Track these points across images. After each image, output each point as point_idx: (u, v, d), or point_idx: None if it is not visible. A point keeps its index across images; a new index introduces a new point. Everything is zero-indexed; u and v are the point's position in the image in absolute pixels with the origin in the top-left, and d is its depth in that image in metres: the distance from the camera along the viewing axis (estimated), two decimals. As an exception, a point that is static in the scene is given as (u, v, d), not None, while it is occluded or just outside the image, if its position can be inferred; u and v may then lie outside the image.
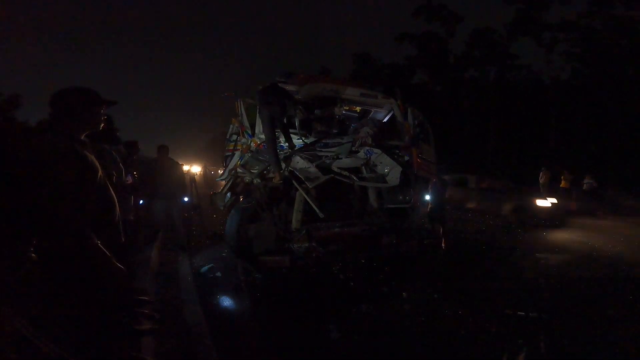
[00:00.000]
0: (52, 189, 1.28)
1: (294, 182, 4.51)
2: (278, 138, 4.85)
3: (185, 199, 5.93)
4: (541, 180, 15.24)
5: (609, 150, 19.37)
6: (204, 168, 31.32)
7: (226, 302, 3.80)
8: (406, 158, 4.95)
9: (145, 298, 1.61)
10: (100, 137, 1.90)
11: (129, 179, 3.84)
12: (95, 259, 1.32)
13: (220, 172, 6.42)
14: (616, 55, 20.85)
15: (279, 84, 4.77)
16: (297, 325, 3.27)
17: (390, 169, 4.75)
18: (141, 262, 3.96)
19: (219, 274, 4.59)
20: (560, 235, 7.64)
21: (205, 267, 4.72)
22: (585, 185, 13.31)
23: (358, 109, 5.76)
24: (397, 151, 5.04)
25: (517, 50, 28.80)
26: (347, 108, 5.66)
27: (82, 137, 1.53)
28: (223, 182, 5.80)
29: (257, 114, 5.01)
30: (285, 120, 4.88)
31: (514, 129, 23.25)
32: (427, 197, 5.73)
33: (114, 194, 1.57)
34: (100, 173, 1.49)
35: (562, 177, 14.69)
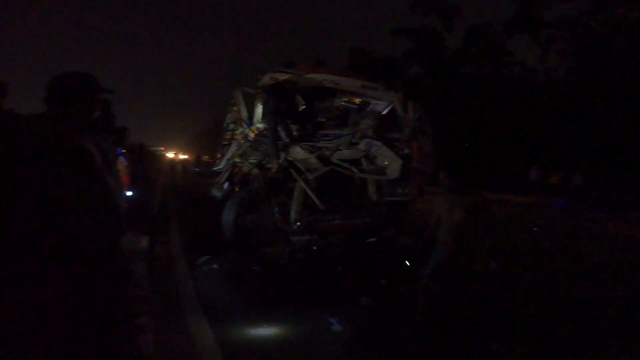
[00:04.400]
0: (58, 182, 1.20)
1: (293, 172, 4.44)
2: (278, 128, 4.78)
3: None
4: (531, 176, 15.53)
5: (600, 149, 19.68)
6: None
7: (224, 295, 3.73)
8: (406, 151, 4.92)
9: (142, 293, 1.54)
10: (98, 125, 1.83)
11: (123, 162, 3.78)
12: (95, 254, 1.25)
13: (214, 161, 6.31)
14: (613, 55, 21.05)
15: (280, 74, 4.67)
16: (297, 318, 3.24)
17: (390, 162, 4.72)
18: (135, 254, 3.88)
19: (215, 266, 4.51)
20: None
21: (203, 259, 4.64)
22: (573, 181, 13.60)
23: (358, 100, 5.69)
24: (397, 144, 5.01)
25: (514, 47, 28.91)
26: (347, 99, 5.59)
27: (80, 126, 1.46)
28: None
29: (257, 104, 4.91)
30: (286, 111, 4.82)
31: (506, 125, 23.43)
32: None
33: (111, 183, 1.51)
34: (98, 161, 1.42)
35: (551, 174, 14.99)
